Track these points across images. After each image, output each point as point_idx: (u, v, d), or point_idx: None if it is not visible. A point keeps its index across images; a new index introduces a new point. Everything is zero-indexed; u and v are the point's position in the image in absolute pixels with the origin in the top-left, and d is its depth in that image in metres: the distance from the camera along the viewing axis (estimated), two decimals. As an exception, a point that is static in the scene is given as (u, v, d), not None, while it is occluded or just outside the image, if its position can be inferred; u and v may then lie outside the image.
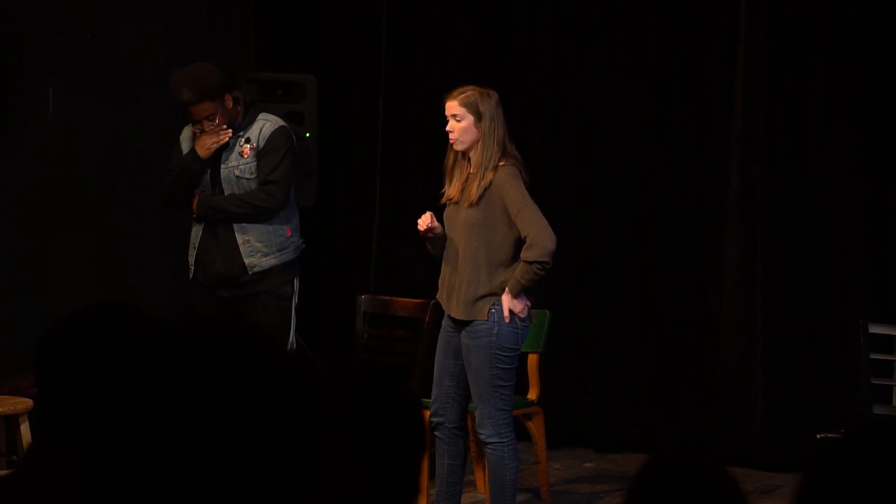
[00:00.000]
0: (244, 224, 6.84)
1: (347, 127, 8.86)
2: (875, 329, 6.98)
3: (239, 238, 6.84)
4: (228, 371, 1.51)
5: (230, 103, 6.81)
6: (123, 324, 2.50)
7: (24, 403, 6.59)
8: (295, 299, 6.97)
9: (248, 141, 6.85)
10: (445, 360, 6.27)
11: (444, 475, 6.34)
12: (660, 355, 8.14)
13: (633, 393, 8.17)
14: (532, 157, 7.16)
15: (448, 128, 6.14)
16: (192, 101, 6.70)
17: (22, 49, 7.69)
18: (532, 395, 7.31)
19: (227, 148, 6.85)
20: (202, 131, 6.82)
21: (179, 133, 6.99)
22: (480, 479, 7.21)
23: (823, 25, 7.69)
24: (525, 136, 7.54)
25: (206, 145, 6.82)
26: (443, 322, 6.32)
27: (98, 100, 8.04)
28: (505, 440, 6.17)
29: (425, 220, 6.20)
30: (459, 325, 6.17)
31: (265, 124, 6.88)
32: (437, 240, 6.26)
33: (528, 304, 6.12)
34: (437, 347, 6.33)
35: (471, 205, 6.09)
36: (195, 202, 6.86)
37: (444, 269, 6.27)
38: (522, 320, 6.10)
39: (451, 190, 6.20)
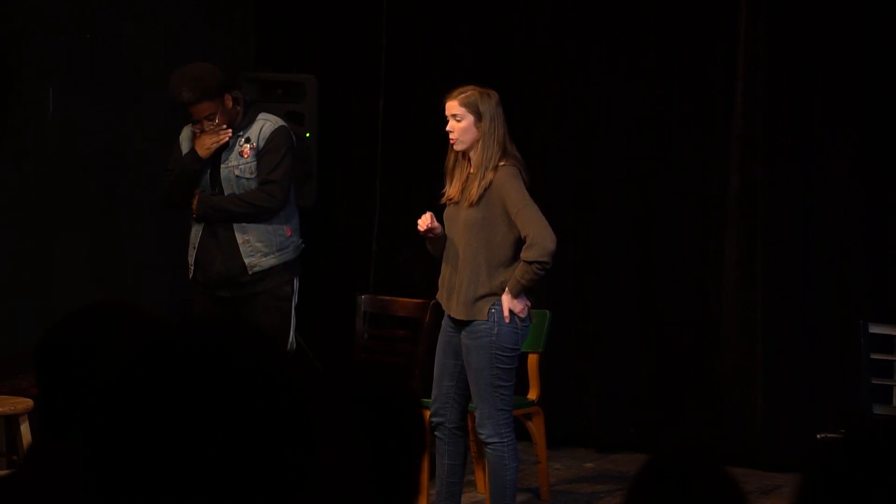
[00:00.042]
0: (244, 224, 6.84)
1: (347, 127, 8.86)
2: (875, 329, 6.98)
3: (239, 238, 6.84)
4: (228, 371, 1.51)
5: (230, 103, 6.81)
6: (123, 324, 2.50)
7: (24, 403, 6.59)
8: (295, 299, 6.97)
9: (248, 141, 6.85)
10: (445, 360, 6.27)
11: (444, 475, 6.34)
12: (660, 355, 8.14)
13: (633, 393, 8.17)
14: (532, 157, 7.16)
15: (448, 128, 6.14)
16: (192, 101, 6.70)
17: (22, 49, 7.69)
18: (532, 395, 7.31)
19: (226, 148, 6.85)
20: (202, 131, 6.82)
21: (179, 133, 6.99)
22: (480, 479, 7.21)
23: (823, 25, 7.69)
24: (525, 136, 7.54)
25: (206, 145, 6.82)
26: (443, 322, 6.32)
27: (98, 100, 8.04)
28: (505, 440, 6.17)
29: (425, 221, 6.20)
30: (459, 325, 6.17)
31: (265, 124, 6.88)
32: (437, 240, 6.26)
33: (528, 304, 6.12)
34: (437, 347, 6.32)
35: (471, 205, 6.09)
36: (195, 202, 6.86)
37: (444, 269, 6.27)
38: (522, 320, 6.10)
39: (452, 190, 6.20)
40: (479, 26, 8.52)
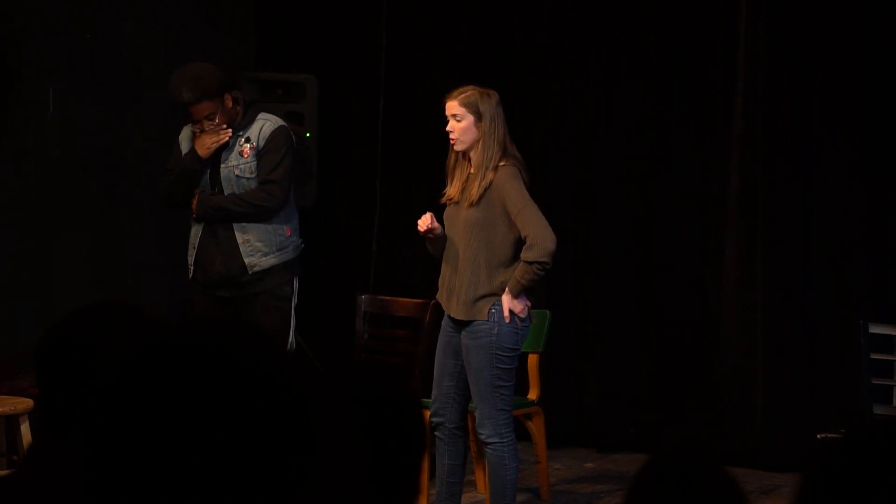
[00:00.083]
0: (244, 224, 6.84)
1: (347, 127, 8.86)
2: (875, 329, 6.98)
3: (239, 238, 6.84)
4: (228, 371, 1.51)
5: (230, 103, 6.81)
6: (123, 324, 2.50)
7: (25, 403, 6.59)
8: (294, 299, 6.97)
9: (247, 140, 6.85)
10: (445, 360, 6.27)
11: (444, 475, 6.34)
12: (660, 355, 8.14)
13: (633, 393, 8.18)
14: (532, 157, 7.16)
15: (448, 128, 6.14)
16: (192, 101, 6.70)
17: (22, 49, 7.69)
18: (532, 395, 7.31)
19: (226, 147, 6.85)
20: (202, 131, 6.82)
21: (179, 133, 7.00)
22: (480, 479, 7.21)
23: (823, 25, 7.69)
24: (525, 136, 7.54)
25: (206, 145, 6.82)
26: (443, 322, 6.32)
27: (98, 100, 8.04)
28: (505, 440, 6.17)
29: (425, 221, 6.20)
30: (459, 325, 6.16)
31: (265, 124, 6.88)
32: (437, 240, 6.26)
33: (528, 304, 6.12)
34: (437, 347, 6.32)
35: (471, 205, 6.09)
36: (195, 202, 6.86)
37: (444, 270, 6.27)
38: (522, 320, 6.10)
39: (452, 190, 6.20)
40: (479, 26, 8.52)
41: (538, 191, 6.58)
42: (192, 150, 6.86)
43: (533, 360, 7.33)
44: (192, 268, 6.96)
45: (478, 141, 6.10)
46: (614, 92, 8.21)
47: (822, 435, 6.47)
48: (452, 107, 6.13)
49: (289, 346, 6.92)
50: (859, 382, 6.98)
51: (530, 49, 8.39)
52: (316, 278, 8.40)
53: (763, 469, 7.61)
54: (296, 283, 6.99)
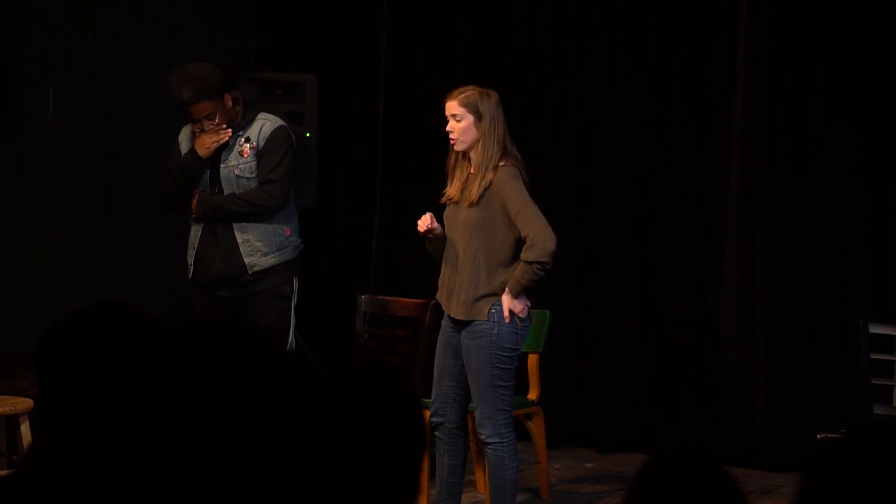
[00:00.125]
0: (244, 223, 6.84)
1: (347, 127, 8.86)
2: (875, 329, 6.98)
3: (239, 237, 6.84)
4: (228, 371, 1.51)
5: (229, 103, 6.81)
6: (123, 324, 2.50)
7: (25, 403, 6.59)
8: (294, 299, 6.97)
9: (247, 140, 6.85)
10: (445, 360, 6.27)
11: (444, 475, 6.34)
12: (660, 355, 8.14)
13: (633, 393, 8.17)
14: (532, 157, 7.16)
15: (448, 128, 6.14)
16: (192, 101, 6.70)
17: (22, 49, 7.69)
18: (532, 395, 7.31)
19: (226, 147, 6.85)
20: (202, 131, 6.82)
21: (178, 133, 7.00)
22: (480, 479, 7.21)
23: (823, 25, 7.69)
24: (525, 136, 7.54)
25: (206, 144, 6.82)
26: (443, 322, 6.32)
27: (98, 100, 8.04)
28: (505, 440, 6.17)
29: (425, 222, 6.20)
30: (459, 325, 6.16)
31: (265, 124, 6.88)
32: (436, 240, 6.26)
33: (528, 304, 6.11)
34: (437, 347, 6.32)
35: (471, 205, 6.09)
36: (194, 201, 6.86)
37: (444, 270, 6.27)
38: (522, 320, 6.10)
39: (452, 190, 6.20)
40: (479, 26, 8.52)
41: (538, 191, 6.58)
42: (192, 150, 6.86)
43: (533, 360, 7.33)
44: (191, 268, 6.96)
45: (478, 141, 6.10)
46: (614, 92, 8.21)
47: (822, 435, 6.47)
48: (452, 107, 6.13)
49: (288, 346, 6.92)
50: (859, 382, 6.98)
51: (530, 49, 8.39)
52: (316, 278, 8.40)
53: (763, 469, 7.61)
54: (295, 283, 6.99)
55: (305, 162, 8.14)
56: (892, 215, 7.68)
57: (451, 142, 6.14)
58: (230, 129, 6.82)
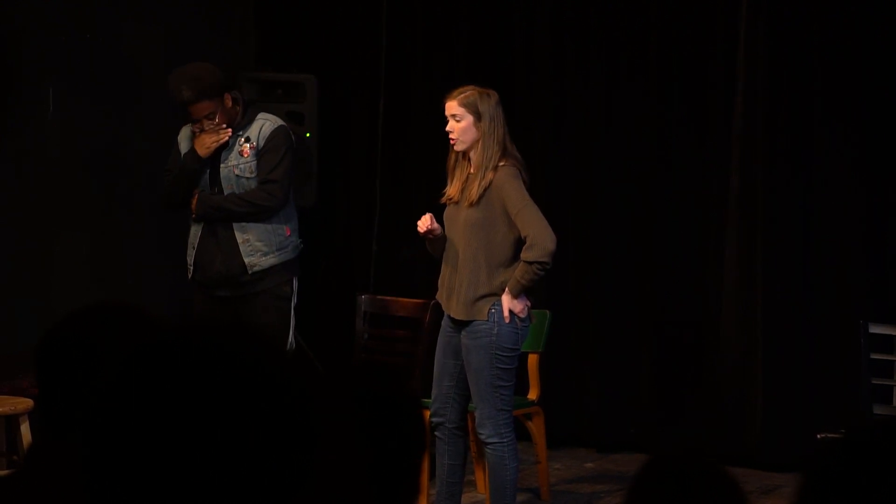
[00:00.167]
0: (244, 223, 6.84)
1: (347, 127, 8.86)
2: (875, 329, 6.98)
3: (239, 237, 6.84)
4: (228, 371, 1.51)
5: (229, 103, 6.82)
6: (123, 324, 2.50)
7: (24, 403, 6.59)
8: (294, 299, 6.97)
9: (247, 140, 6.85)
10: (445, 360, 6.27)
11: (444, 475, 6.34)
12: (660, 355, 8.14)
13: (633, 393, 8.17)
14: (532, 157, 7.16)
15: (448, 128, 6.14)
16: (192, 100, 6.70)
17: (22, 49, 7.69)
18: (532, 395, 7.31)
19: (226, 147, 6.86)
20: (202, 130, 6.82)
21: (178, 133, 7.00)
22: (480, 479, 7.21)
23: (823, 25, 7.69)
24: (525, 136, 7.54)
25: (206, 144, 6.82)
26: (443, 322, 6.32)
27: (98, 100, 8.04)
28: (505, 440, 6.17)
29: (425, 222, 6.20)
30: (459, 325, 6.16)
31: (265, 123, 6.88)
32: (436, 241, 6.26)
33: (528, 304, 6.11)
34: (437, 347, 6.32)
35: (471, 205, 6.09)
36: (194, 201, 6.86)
37: (444, 270, 6.27)
38: (522, 320, 6.10)
39: (452, 190, 6.20)
40: (479, 26, 8.52)
41: (538, 191, 6.58)
42: (192, 150, 6.86)
43: (533, 360, 7.33)
44: (191, 268, 6.96)
45: (477, 141, 6.10)
46: (614, 92, 8.21)
47: (822, 435, 6.46)
48: (452, 107, 6.13)
49: (288, 346, 6.93)
50: (859, 382, 6.98)
51: (530, 49, 8.39)
52: (316, 278, 8.40)
53: (763, 469, 7.61)
54: (295, 283, 6.99)
55: (305, 162, 8.14)
56: (892, 215, 7.68)
57: (451, 142, 6.14)
58: (230, 129, 6.82)
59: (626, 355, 8.18)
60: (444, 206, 6.25)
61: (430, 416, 6.29)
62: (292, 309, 6.96)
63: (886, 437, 1.85)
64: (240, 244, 6.84)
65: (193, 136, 6.88)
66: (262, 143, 6.85)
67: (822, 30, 7.69)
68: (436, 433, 6.31)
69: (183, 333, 1.55)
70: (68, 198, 7.95)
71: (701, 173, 8.04)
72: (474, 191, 6.07)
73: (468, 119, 6.09)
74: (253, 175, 6.84)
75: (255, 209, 6.83)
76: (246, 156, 6.85)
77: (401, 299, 7.44)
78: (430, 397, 6.37)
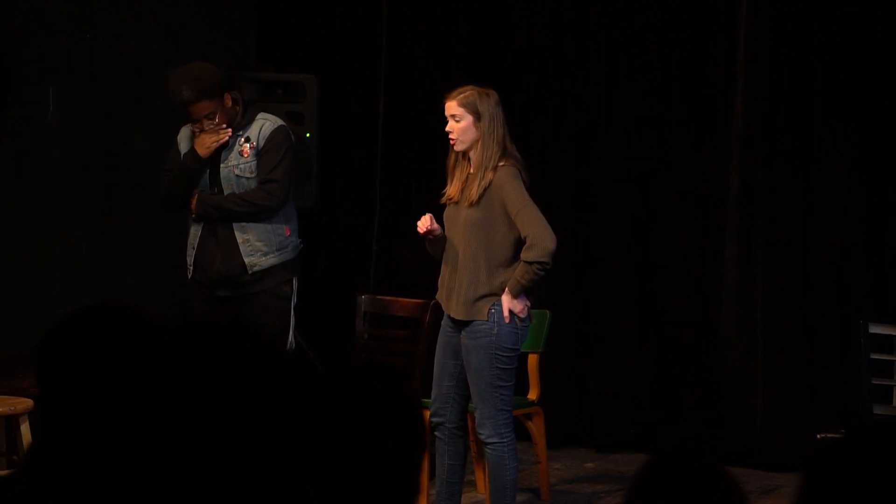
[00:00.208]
0: (244, 223, 6.84)
1: (347, 127, 8.86)
2: (875, 329, 6.98)
3: (239, 237, 6.84)
4: (228, 371, 1.51)
5: (229, 103, 6.82)
6: (123, 324, 2.50)
7: (24, 403, 6.59)
8: (294, 299, 6.97)
9: (247, 140, 6.85)
10: (445, 360, 6.27)
11: (444, 475, 6.34)
12: (660, 355, 8.14)
13: (633, 393, 8.17)
14: (532, 157, 7.16)
15: (447, 128, 6.14)
16: (192, 100, 6.70)
17: (22, 49, 7.69)
18: (532, 395, 7.31)
19: (226, 147, 6.86)
20: (202, 130, 6.82)
21: (178, 133, 7.00)
22: (480, 479, 7.21)
23: (823, 25, 7.69)
24: (525, 136, 7.54)
25: (206, 144, 6.82)
26: (442, 322, 6.32)
27: (98, 100, 8.04)
28: (505, 440, 6.17)
29: (425, 223, 6.20)
30: (459, 325, 6.16)
31: (265, 123, 6.89)
32: (436, 241, 6.26)
33: (528, 304, 6.11)
34: (437, 347, 6.32)
35: (471, 205, 6.09)
36: (194, 201, 6.86)
37: (444, 270, 6.27)
38: (522, 320, 6.10)
39: (451, 189, 6.20)
40: (479, 26, 8.52)
41: (538, 191, 6.58)
42: (192, 150, 6.87)
43: (533, 360, 7.33)
44: (191, 268, 6.96)
45: (477, 141, 6.10)
46: (614, 92, 8.21)
47: (822, 435, 6.46)
48: (451, 107, 6.13)
49: (288, 346, 6.93)
50: (859, 382, 6.98)
51: (530, 49, 8.39)
52: (316, 278, 8.40)
53: (763, 469, 7.61)
54: (295, 283, 6.99)
55: (305, 162, 8.14)
56: (892, 215, 7.68)
57: (451, 142, 6.14)
58: (230, 129, 6.82)
59: (626, 355, 8.18)
60: (444, 206, 6.25)
61: (430, 416, 6.29)
62: (292, 309, 6.96)
63: (886, 437, 1.85)
64: (240, 244, 6.84)
65: (193, 136, 6.88)
66: (262, 143, 6.85)
67: (822, 30, 7.69)
68: (436, 433, 6.31)
69: (183, 333, 1.55)
70: (68, 198, 7.95)
71: (701, 173, 8.04)
72: (474, 191, 6.07)
73: (468, 119, 6.09)
74: (253, 175, 6.85)
75: (255, 209, 6.83)
76: (246, 156, 6.85)
77: (401, 299, 7.44)
78: (430, 397, 6.37)
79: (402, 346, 7.32)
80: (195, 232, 6.94)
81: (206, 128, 6.80)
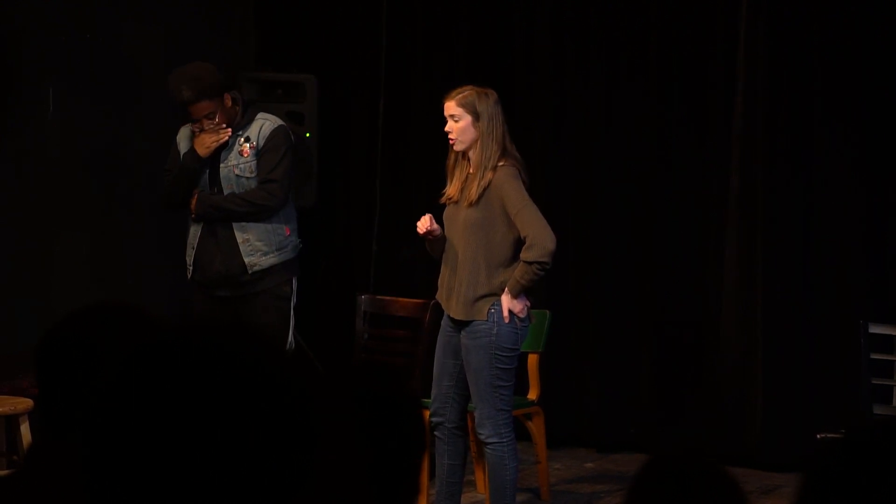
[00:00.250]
0: (244, 223, 6.84)
1: (347, 127, 8.86)
2: (875, 329, 6.98)
3: (239, 237, 6.84)
4: (228, 371, 1.51)
5: (229, 102, 6.82)
6: (123, 324, 2.50)
7: (24, 403, 6.59)
8: (294, 299, 6.97)
9: (247, 140, 6.85)
10: (445, 359, 6.27)
11: (443, 475, 6.34)
12: (660, 355, 8.14)
13: (633, 393, 8.17)
14: (532, 157, 7.16)
15: (447, 128, 6.14)
16: (192, 100, 6.70)
17: (22, 49, 7.69)
18: (532, 395, 7.31)
19: (226, 147, 6.86)
20: (201, 130, 6.82)
21: (177, 133, 7.00)
22: (480, 479, 7.21)
23: (823, 25, 7.69)
24: (525, 136, 7.54)
25: (206, 144, 6.82)
26: (442, 322, 6.32)
27: (98, 100, 8.04)
28: (504, 440, 6.17)
29: (424, 223, 6.20)
30: (459, 325, 6.16)
31: (264, 123, 6.89)
32: (436, 241, 6.26)
33: (528, 304, 6.11)
34: (437, 347, 6.32)
35: (470, 204, 6.09)
36: (193, 201, 6.86)
37: (444, 270, 6.27)
38: (522, 320, 6.10)
39: (451, 189, 6.20)
40: (479, 26, 8.52)
41: (538, 191, 6.58)
42: (192, 150, 6.87)
43: (533, 360, 7.33)
44: (190, 268, 6.96)
45: (476, 140, 6.10)
46: (614, 92, 8.21)
47: (822, 435, 6.46)
48: (450, 107, 6.13)
49: (288, 346, 6.93)
50: (859, 382, 6.98)
51: (530, 49, 8.39)
52: (316, 278, 8.40)
53: (763, 469, 7.61)
54: (295, 283, 6.99)
55: (305, 162, 8.14)
56: (892, 215, 7.67)
57: (450, 142, 6.14)
58: (230, 129, 6.83)
59: (626, 355, 8.18)
60: (444, 206, 6.25)
61: (430, 415, 6.29)
62: (292, 309, 6.96)
63: (886, 437, 1.85)
64: (240, 244, 6.84)
65: (193, 136, 6.88)
66: (261, 142, 6.85)
67: (822, 30, 7.69)
68: (435, 433, 6.31)
69: (183, 333, 1.55)
70: (68, 198, 7.95)
71: (701, 173, 8.04)
72: (473, 191, 6.07)
73: (466, 119, 6.09)
74: (253, 175, 6.85)
75: (254, 209, 6.83)
76: (246, 155, 6.85)
77: (401, 299, 7.44)
78: (430, 397, 6.38)
79: (402, 346, 7.32)
80: (195, 232, 6.94)
81: (206, 128, 6.80)
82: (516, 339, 6.11)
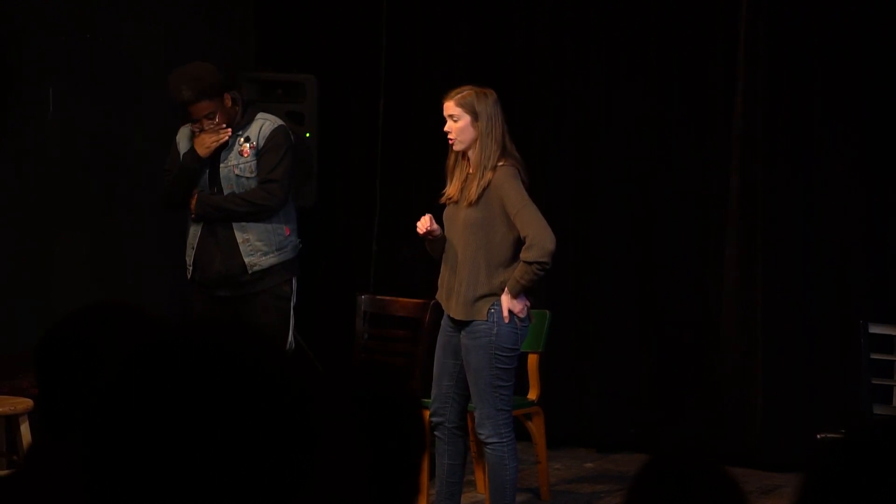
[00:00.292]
0: (244, 223, 6.84)
1: (347, 127, 8.86)
2: (875, 329, 6.98)
3: (239, 237, 6.84)
4: (228, 371, 1.51)
5: (229, 102, 6.82)
6: (123, 324, 2.50)
7: (24, 403, 6.59)
8: (293, 299, 6.97)
9: (247, 140, 6.86)
10: (445, 359, 6.27)
11: (443, 475, 6.34)
12: (660, 355, 8.14)
13: (633, 393, 8.17)
14: (532, 157, 7.16)
15: (446, 128, 6.14)
16: (192, 100, 6.70)
17: (22, 49, 7.69)
18: (532, 395, 7.31)
19: (226, 147, 6.86)
20: (201, 130, 6.82)
21: (177, 133, 7.00)
22: (480, 479, 7.21)
23: (823, 25, 7.69)
24: (525, 136, 7.54)
25: (206, 144, 6.82)
26: (442, 322, 6.32)
27: (98, 100, 8.04)
28: (504, 440, 6.17)
29: (424, 223, 6.20)
30: (459, 325, 6.16)
31: (264, 123, 6.89)
32: (436, 242, 6.26)
33: (528, 304, 6.11)
34: (437, 347, 6.32)
35: (470, 204, 6.09)
36: (193, 201, 6.86)
37: (444, 270, 6.27)
38: (522, 320, 6.10)
39: (451, 189, 6.20)
40: (479, 26, 8.52)
41: (538, 191, 6.58)
42: (192, 150, 6.87)
43: (533, 360, 7.33)
44: (190, 268, 6.96)
45: (475, 140, 6.10)
46: (614, 92, 8.21)
47: (822, 435, 6.46)
48: (449, 107, 6.13)
49: (288, 346, 6.93)
50: (859, 382, 6.98)
51: (530, 49, 8.39)
52: (316, 278, 8.40)
53: (763, 469, 7.61)
54: (295, 283, 6.99)
55: (305, 162, 8.14)
56: (892, 215, 7.68)
57: (450, 142, 6.14)
58: (230, 129, 6.83)
59: (626, 355, 8.18)
60: (444, 206, 6.25)
61: (430, 415, 6.29)
62: (292, 309, 6.96)
63: (886, 437, 1.85)
64: (240, 244, 6.84)
65: (193, 136, 6.88)
66: (261, 142, 6.85)
67: (822, 30, 7.69)
68: (435, 433, 6.31)
69: (183, 333, 1.55)
70: (68, 198, 7.95)
71: (701, 173, 8.04)
72: (473, 191, 6.07)
73: (465, 119, 6.09)
74: (253, 175, 6.85)
75: (254, 209, 6.83)
76: (246, 155, 6.85)
77: (401, 299, 7.44)
78: (430, 397, 6.38)
79: (402, 346, 7.32)
80: (195, 232, 6.94)
81: (206, 128, 6.80)
82: (516, 339, 6.11)
